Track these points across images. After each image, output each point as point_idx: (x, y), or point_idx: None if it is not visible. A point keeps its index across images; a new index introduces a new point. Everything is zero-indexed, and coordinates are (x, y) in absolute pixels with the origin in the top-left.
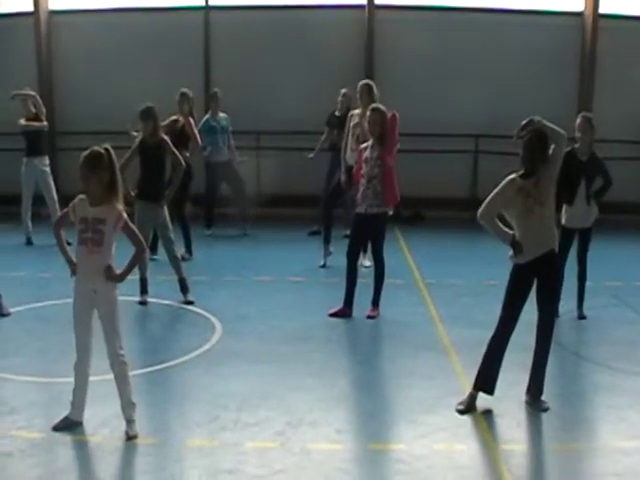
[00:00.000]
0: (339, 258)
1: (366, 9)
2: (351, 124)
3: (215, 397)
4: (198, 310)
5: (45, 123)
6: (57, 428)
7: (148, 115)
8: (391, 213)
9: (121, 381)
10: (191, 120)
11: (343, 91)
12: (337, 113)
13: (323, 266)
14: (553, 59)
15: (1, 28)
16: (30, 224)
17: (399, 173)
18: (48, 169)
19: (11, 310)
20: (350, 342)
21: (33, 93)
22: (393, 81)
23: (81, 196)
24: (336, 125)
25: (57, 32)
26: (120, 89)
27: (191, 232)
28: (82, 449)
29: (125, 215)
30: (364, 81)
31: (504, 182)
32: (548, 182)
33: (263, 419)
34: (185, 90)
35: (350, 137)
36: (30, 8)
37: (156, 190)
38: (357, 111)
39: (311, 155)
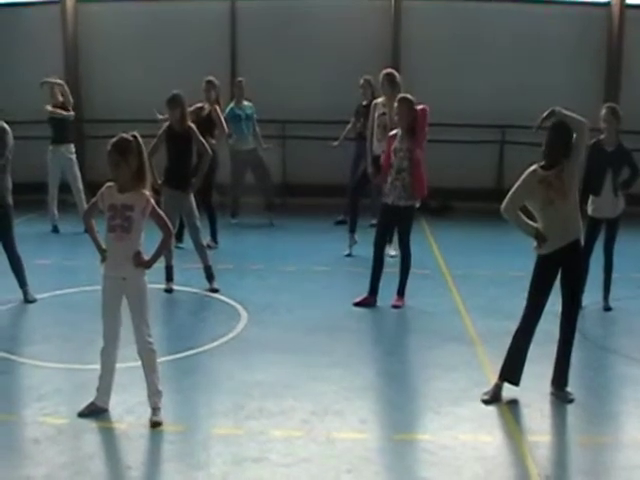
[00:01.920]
0: (365, 248)
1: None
2: (376, 114)
3: (241, 385)
4: (224, 298)
5: (72, 112)
6: (83, 414)
7: (175, 102)
8: (418, 205)
9: (149, 369)
10: (217, 108)
11: (362, 81)
12: (364, 102)
13: (348, 255)
14: (580, 50)
15: (28, 16)
16: (56, 212)
17: (426, 163)
18: (74, 157)
19: (38, 297)
20: (375, 332)
21: (61, 82)
22: (419, 70)
23: (109, 184)
24: (363, 115)
25: (84, 20)
26: (147, 77)
27: (217, 220)
28: (108, 435)
29: (153, 201)
30: (386, 70)
31: (525, 174)
32: (571, 173)
33: (288, 408)
34: (211, 78)
35: (375, 127)
36: None
37: (183, 178)
38: (380, 100)
39: (335, 143)
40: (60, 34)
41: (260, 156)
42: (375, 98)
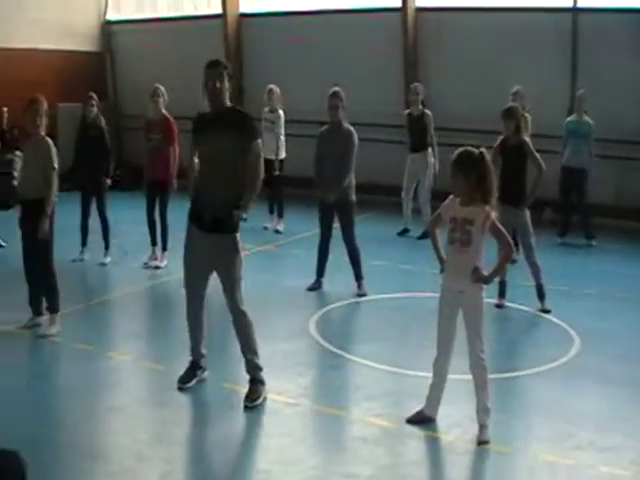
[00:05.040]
0: None
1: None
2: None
3: (568, 414)
4: (555, 320)
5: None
6: (410, 421)
7: (510, 114)
8: None
9: (479, 385)
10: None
11: (415, 85)
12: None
13: None
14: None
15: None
16: (410, 215)
17: None
18: (432, 163)
19: (371, 298)
20: None
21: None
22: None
23: (452, 196)
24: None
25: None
26: (478, 87)
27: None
28: (432, 445)
29: (493, 215)
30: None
31: None
32: None
33: (617, 444)
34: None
35: None
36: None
37: (517, 193)
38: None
39: None
40: (401, 41)
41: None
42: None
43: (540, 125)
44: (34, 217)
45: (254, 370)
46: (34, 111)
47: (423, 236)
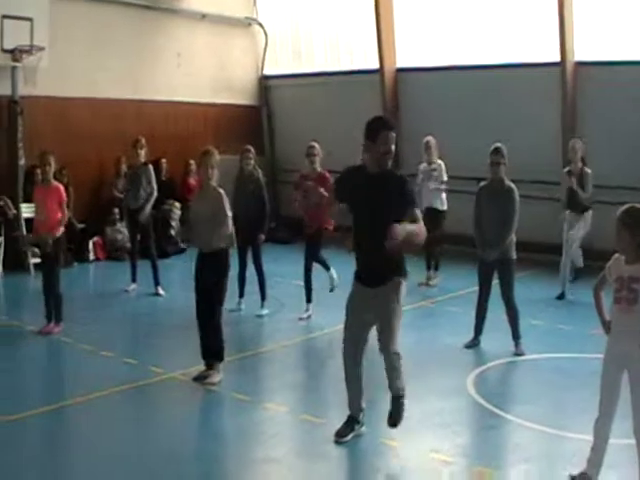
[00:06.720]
0: None
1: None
2: None
3: None
4: None
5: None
6: None
7: None
8: None
9: None
10: None
11: (574, 141)
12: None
13: None
14: None
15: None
16: (568, 277)
17: None
18: (584, 224)
19: (529, 357)
20: None
21: None
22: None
23: (616, 255)
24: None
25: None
26: None
27: None
28: None
29: None
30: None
31: None
32: None
33: None
34: None
35: None
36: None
37: None
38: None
39: None
40: (559, 96)
41: None
42: None
43: None
44: (211, 269)
45: (399, 412)
46: (205, 163)
47: (561, 297)
